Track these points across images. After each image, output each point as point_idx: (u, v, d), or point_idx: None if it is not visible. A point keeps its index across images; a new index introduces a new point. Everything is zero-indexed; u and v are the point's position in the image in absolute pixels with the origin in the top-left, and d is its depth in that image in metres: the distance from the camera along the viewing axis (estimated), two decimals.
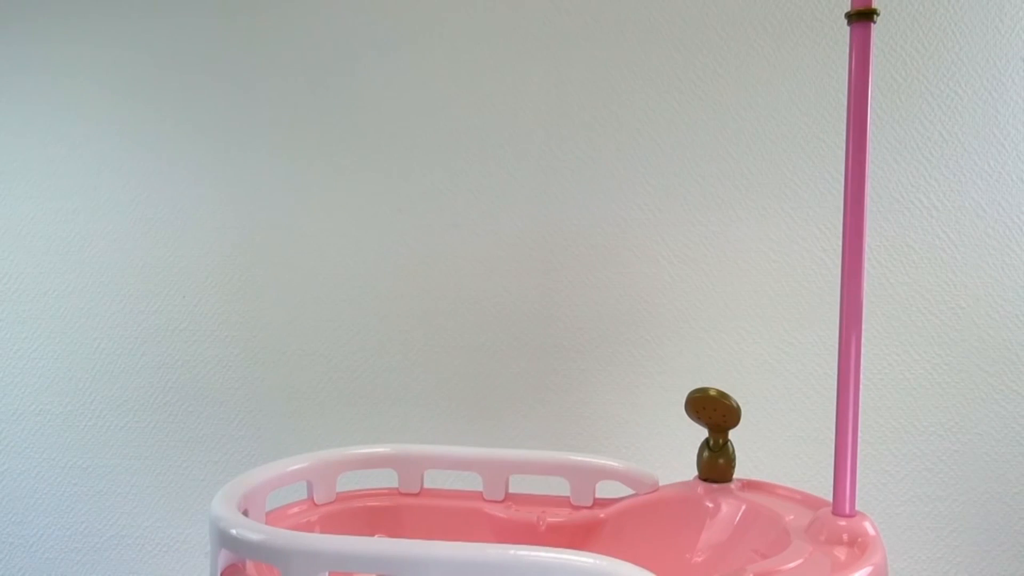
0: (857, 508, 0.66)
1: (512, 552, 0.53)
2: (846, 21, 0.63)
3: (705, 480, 0.79)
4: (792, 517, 0.70)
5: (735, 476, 0.80)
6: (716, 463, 0.79)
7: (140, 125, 1.15)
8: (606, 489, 0.82)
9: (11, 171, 1.17)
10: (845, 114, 0.64)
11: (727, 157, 1.05)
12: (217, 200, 1.14)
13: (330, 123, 1.11)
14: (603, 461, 0.82)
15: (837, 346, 0.65)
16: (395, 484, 0.84)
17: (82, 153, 1.16)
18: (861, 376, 0.65)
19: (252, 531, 0.58)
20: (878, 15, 0.62)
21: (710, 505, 0.77)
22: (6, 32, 1.16)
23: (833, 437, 0.66)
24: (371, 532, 0.82)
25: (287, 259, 1.13)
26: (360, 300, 1.12)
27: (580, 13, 1.07)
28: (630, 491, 0.81)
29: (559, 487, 0.82)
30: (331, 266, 1.13)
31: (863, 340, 0.64)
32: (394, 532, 0.82)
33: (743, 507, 0.75)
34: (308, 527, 0.78)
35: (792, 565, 0.60)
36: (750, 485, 0.80)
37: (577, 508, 0.82)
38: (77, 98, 1.16)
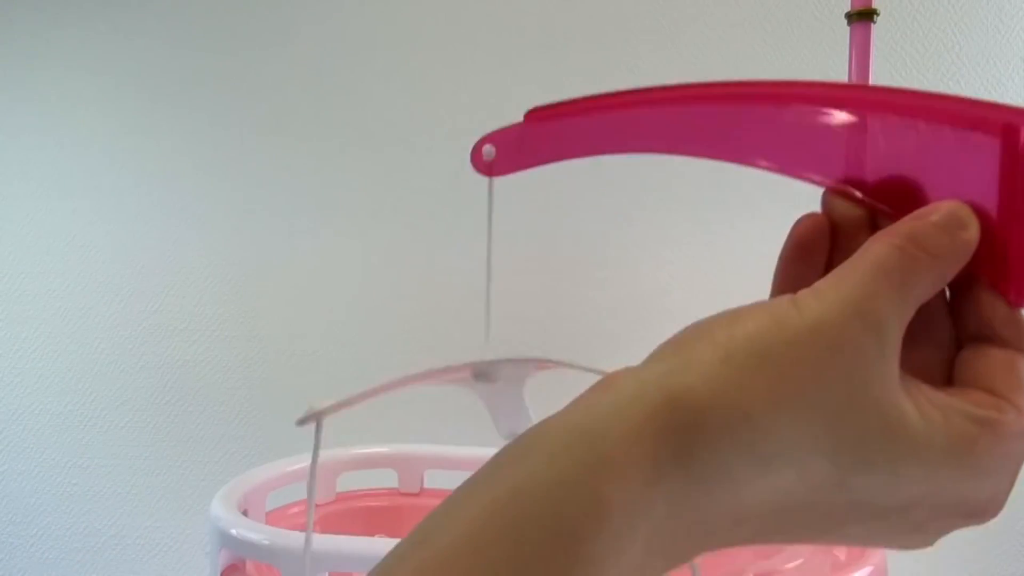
0: None
1: None
2: (846, 21, 0.63)
3: None
4: None
5: None
6: None
7: (140, 124, 1.15)
8: None
9: (10, 171, 1.17)
10: None
11: None
12: (217, 199, 1.14)
13: (331, 123, 1.11)
14: None
15: None
16: (395, 484, 0.84)
17: (82, 152, 1.16)
18: None
19: (252, 531, 0.58)
20: (878, 15, 0.62)
21: None
22: (5, 30, 1.16)
23: None
24: (371, 532, 0.82)
25: (287, 259, 1.13)
26: (360, 300, 1.12)
27: (580, 13, 1.07)
28: None
29: None
30: (331, 266, 1.13)
31: None
32: (394, 532, 0.82)
33: None
34: None
35: (792, 565, 0.60)
36: None
37: None
38: (77, 97, 1.16)
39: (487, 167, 0.42)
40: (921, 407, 0.24)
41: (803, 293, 0.25)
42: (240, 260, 1.14)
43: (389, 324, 1.12)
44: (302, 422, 0.57)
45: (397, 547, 0.24)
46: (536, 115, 0.39)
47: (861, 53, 0.63)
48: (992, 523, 0.26)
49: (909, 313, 0.25)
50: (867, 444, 0.24)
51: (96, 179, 1.16)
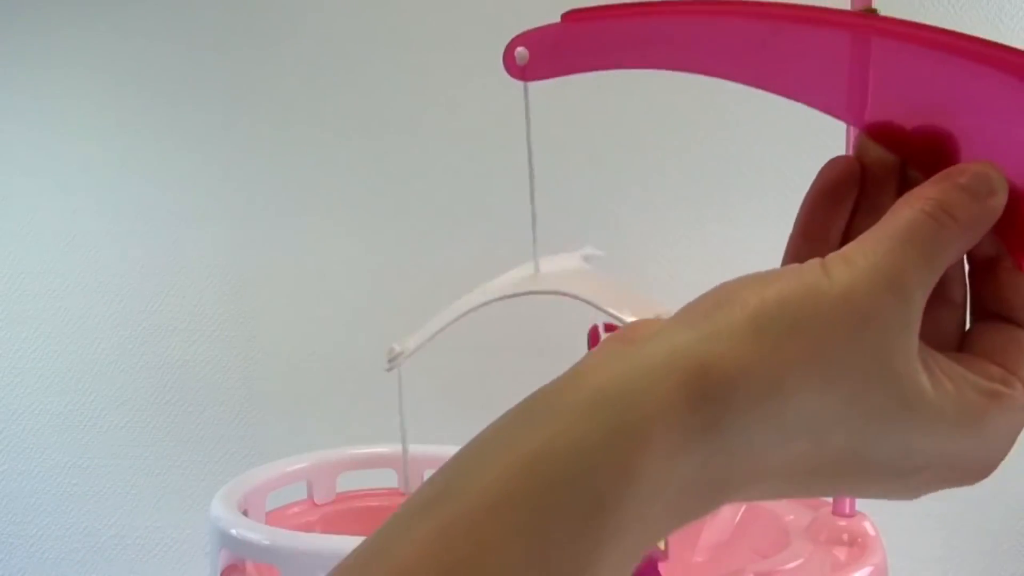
0: (857, 508, 0.66)
1: None
2: None
3: None
4: (792, 517, 0.70)
5: None
6: None
7: (140, 124, 1.15)
8: None
9: (11, 170, 1.17)
10: None
11: (727, 157, 1.05)
12: (217, 199, 1.14)
13: (332, 124, 1.11)
14: None
15: None
16: (395, 484, 0.84)
17: (82, 152, 1.16)
18: None
19: (252, 531, 0.58)
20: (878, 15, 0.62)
21: None
22: (6, 29, 1.16)
23: None
24: (371, 532, 0.82)
25: (287, 259, 1.13)
26: (360, 299, 1.12)
27: None
28: None
29: None
30: (331, 265, 1.12)
31: None
32: None
33: (743, 507, 0.75)
34: (308, 527, 0.78)
35: (792, 565, 0.60)
36: None
37: None
38: (77, 96, 1.16)
39: (520, 71, 0.39)
40: (936, 379, 0.25)
41: (832, 259, 0.25)
42: (240, 260, 1.14)
43: (389, 324, 1.12)
44: (389, 368, 0.61)
45: (417, 496, 0.23)
46: (574, 16, 0.36)
47: None
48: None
49: (933, 282, 0.25)
50: (884, 416, 0.24)
51: (97, 178, 1.16)
